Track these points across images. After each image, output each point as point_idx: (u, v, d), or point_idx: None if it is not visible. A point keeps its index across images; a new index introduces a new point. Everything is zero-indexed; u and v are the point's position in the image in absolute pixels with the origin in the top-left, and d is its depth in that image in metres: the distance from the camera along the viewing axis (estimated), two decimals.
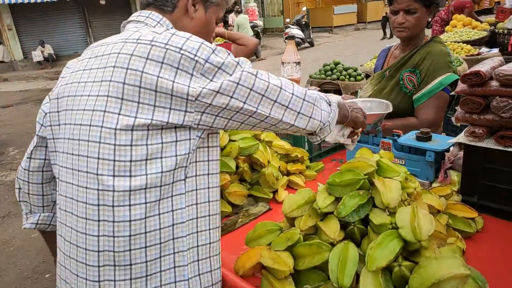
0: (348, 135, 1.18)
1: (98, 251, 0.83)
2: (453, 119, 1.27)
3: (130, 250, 0.82)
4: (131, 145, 0.80)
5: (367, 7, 19.59)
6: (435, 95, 1.73)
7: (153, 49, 0.80)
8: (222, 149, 1.41)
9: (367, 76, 4.65)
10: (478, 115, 1.18)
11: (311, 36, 14.84)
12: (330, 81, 4.69)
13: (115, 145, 0.80)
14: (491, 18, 6.37)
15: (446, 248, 0.88)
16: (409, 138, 1.46)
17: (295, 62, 1.77)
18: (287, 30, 13.88)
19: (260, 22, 15.68)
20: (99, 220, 0.82)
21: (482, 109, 1.17)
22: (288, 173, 1.55)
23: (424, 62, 1.76)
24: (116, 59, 0.82)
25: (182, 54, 0.80)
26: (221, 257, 0.98)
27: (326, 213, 0.95)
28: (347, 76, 4.70)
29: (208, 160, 0.91)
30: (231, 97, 0.83)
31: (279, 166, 1.51)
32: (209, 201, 0.92)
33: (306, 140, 1.72)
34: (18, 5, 13.48)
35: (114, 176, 0.80)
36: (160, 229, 0.84)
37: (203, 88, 0.81)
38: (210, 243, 0.92)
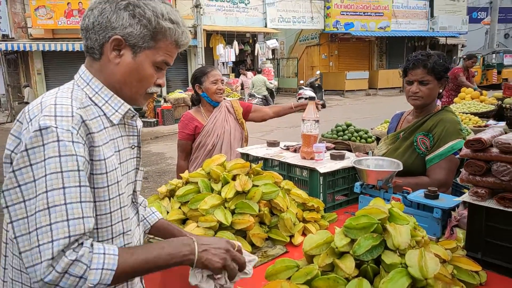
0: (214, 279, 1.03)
1: None
2: (458, 179, 1.40)
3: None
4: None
5: (379, 74, 20.43)
6: (447, 158, 1.88)
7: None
8: (246, 193, 1.55)
9: (378, 139, 4.85)
10: (481, 177, 1.31)
11: (323, 98, 15.39)
12: (341, 141, 4.90)
13: None
14: (499, 93, 6.67)
15: None
16: (417, 196, 1.58)
17: (315, 120, 1.95)
18: (300, 91, 14.47)
19: (275, 82, 16.41)
20: None
21: (484, 172, 1.30)
22: (304, 221, 1.66)
23: (436, 127, 1.93)
24: None
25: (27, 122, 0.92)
26: None
27: (342, 252, 1.06)
28: (358, 138, 4.92)
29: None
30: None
31: (296, 213, 1.63)
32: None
33: (321, 191, 1.85)
34: (50, 52, 14.42)
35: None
36: None
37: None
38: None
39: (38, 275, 0.83)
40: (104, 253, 0.89)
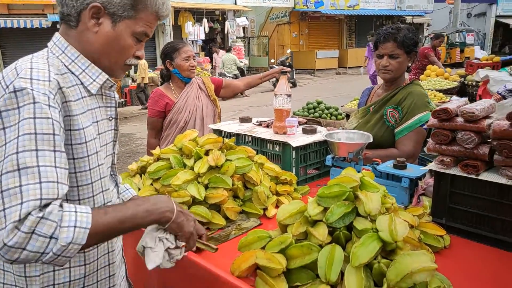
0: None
1: None
2: (425, 149, 1.45)
3: None
4: None
5: (348, 53, 20.63)
6: (415, 130, 1.94)
7: None
8: (219, 168, 1.54)
9: (347, 115, 4.95)
10: (446, 146, 1.36)
11: (294, 77, 15.42)
12: (312, 118, 4.96)
13: None
14: (462, 71, 6.92)
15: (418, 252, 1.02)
16: (387, 166, 1.62)
17: (287, 95, 1.95)
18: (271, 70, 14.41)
19: (245, 61, 16.23)
20: None
21: (450, 141, 1.35)
22: (277, 194, 1.68)
23: (405, 100, 1.98)
24: None
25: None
26: (217, 262, 1.14)
27: (315, 220, 1.08)
28: (329, 115, 4.99)
29: None
30: None
31: (270, 186, 1.64)
32: None
33: (293, 165, 1.87)
34: (7, 29, 13.57)
35: None
36: None
37: None
38: None
39: (0, 241, 0.75)
40: (75, 211, 0.83)
